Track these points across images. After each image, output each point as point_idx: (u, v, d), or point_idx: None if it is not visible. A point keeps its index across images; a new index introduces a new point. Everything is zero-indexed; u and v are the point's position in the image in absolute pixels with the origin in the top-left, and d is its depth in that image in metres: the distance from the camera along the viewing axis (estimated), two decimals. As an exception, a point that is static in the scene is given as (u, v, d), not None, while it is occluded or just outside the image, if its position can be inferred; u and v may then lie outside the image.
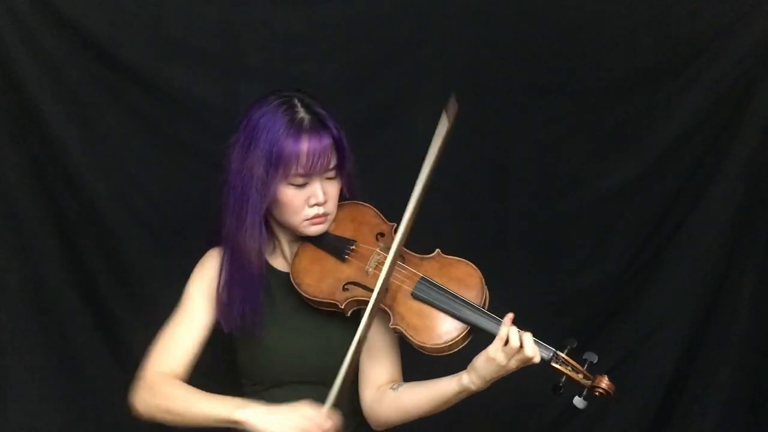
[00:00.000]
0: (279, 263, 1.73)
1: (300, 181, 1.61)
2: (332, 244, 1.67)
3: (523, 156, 2.32)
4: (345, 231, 1.70)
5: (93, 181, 2.16)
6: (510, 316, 1.51)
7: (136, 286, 2.23)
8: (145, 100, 2.16)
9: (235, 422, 1.52)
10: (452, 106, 1.52)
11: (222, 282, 1.67)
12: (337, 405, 1.56)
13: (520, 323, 1.52)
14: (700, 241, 2.30)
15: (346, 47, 2.22)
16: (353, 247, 1.66)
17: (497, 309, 1.60)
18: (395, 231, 1.62)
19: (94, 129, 2.15)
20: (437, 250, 1.66)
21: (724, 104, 2.22)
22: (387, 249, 1.61)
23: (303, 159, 1.58)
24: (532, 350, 1.47)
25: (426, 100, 2.27)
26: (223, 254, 1.68)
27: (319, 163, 1.59)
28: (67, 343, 2.25)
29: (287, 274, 1.68)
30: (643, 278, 2.36)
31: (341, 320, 1.64)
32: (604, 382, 1.53)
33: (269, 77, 2.19)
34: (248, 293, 1.65)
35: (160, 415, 1.61)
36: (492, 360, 1.47)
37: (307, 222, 1.64)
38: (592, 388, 1.53)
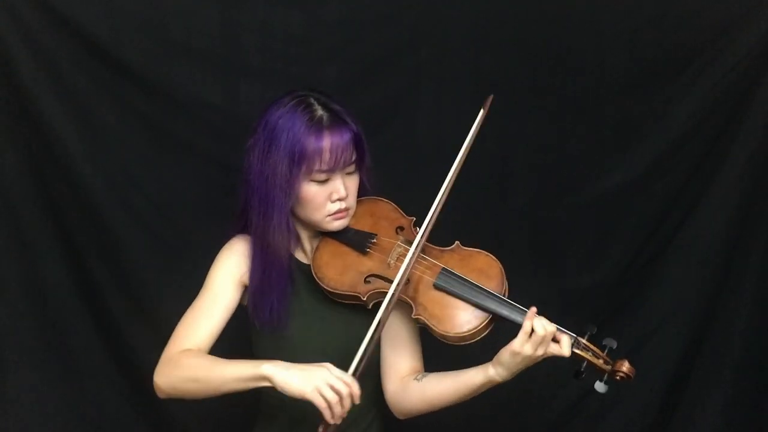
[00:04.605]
0: (301, 256, 1.76)
1: (323, 177, 1.63)
2: (353, 238, 1.70)
3: (523, 156, 2.32)
4: (364, 225, 1.72)
5: (93, 181, 2.16)
6: (533, 309, 1.54)
7: (136, 285, 2.23)
8: (145, 100, 2.16)
9: (261, 377, 1.50)
10: (488, 101, 1.68)
11: (254, 277, 1.69)
12: (359, 380, 1.53)
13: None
14: (700, 240, 2.30)
15: (346, 47, 2.22)
16: (374, 240, 1.69)
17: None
18: (415, 225, 1.70)
19: (94, 128, 2.16)
20: (456, 242, 1.70)
21: (724, 104, 2.22)
22: (407, 242, 1.67)
23: (326, 155, 1.60)
24: (563, 343, 1.53)
25: (426, 100, 2.27)
26: (252, 248, 1.69)
27: (342, 158, 1.62)
28: (67, 343, 2.25)
29: (309, 266, 1.71)
30: (643, 278, 2.36)
31: (363, 314, 1.66)
32: (625, 366, 1.56)
33: (269, 77, 2.19)
34: (278, 286, 1.68)
35: (184, 386, 1.59)
36: (518, 354, 1.52)
37: (330, 217, 1.67)
38: (613, 372, 1.57)
